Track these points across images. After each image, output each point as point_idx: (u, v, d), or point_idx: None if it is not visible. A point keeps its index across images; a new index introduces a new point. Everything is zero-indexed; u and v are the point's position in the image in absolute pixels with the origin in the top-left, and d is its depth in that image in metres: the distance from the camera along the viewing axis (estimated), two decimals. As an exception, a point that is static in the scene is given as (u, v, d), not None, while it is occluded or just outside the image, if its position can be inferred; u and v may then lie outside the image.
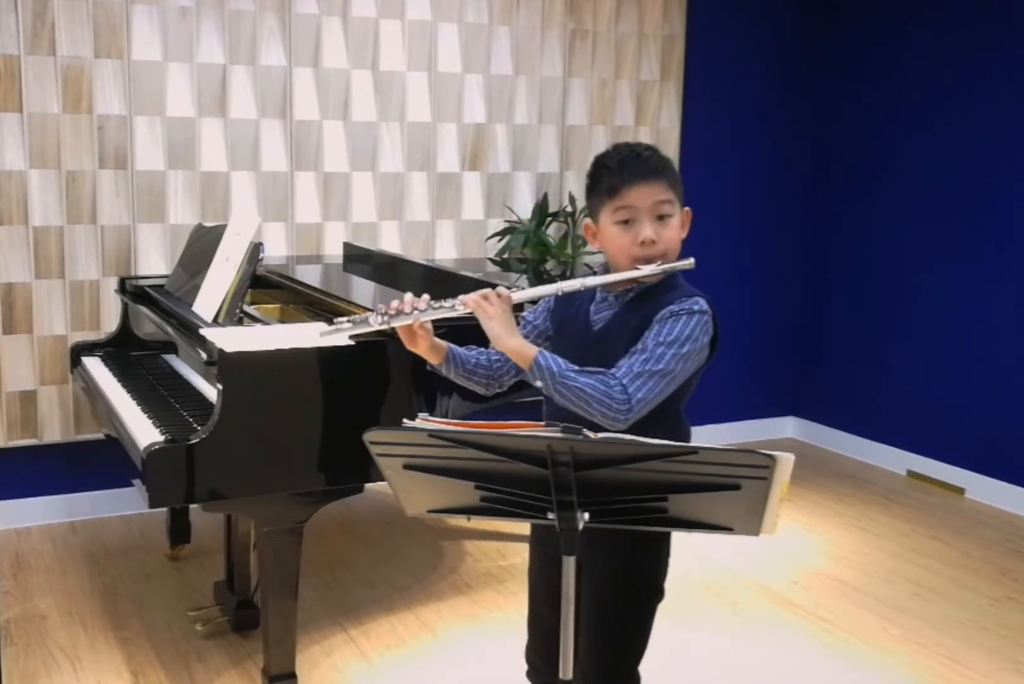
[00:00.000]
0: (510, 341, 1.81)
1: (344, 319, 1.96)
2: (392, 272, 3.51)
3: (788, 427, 5.31)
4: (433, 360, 1.98)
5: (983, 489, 4.39)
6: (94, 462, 3.88)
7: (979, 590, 3.53)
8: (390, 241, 4.25)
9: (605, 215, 1.89)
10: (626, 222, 1.86)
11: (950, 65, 4.43)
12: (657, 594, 1.99)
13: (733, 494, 1.52)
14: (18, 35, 3.58)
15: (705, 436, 4.85)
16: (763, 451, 1.46)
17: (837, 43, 4.92)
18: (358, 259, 3.78)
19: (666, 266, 1.85)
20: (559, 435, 1.54)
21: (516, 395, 2.43)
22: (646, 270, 1.84)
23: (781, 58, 4.95)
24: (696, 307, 1.83)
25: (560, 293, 1.90)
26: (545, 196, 4.37)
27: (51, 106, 3.65)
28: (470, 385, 2.04)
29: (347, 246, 3.93)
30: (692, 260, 1.89)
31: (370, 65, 4.11)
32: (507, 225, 4.36)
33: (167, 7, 3.76)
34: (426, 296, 1.90)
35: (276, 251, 4.03)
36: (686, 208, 1.93)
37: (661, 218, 1.86)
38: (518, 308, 1.92)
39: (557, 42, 4.43)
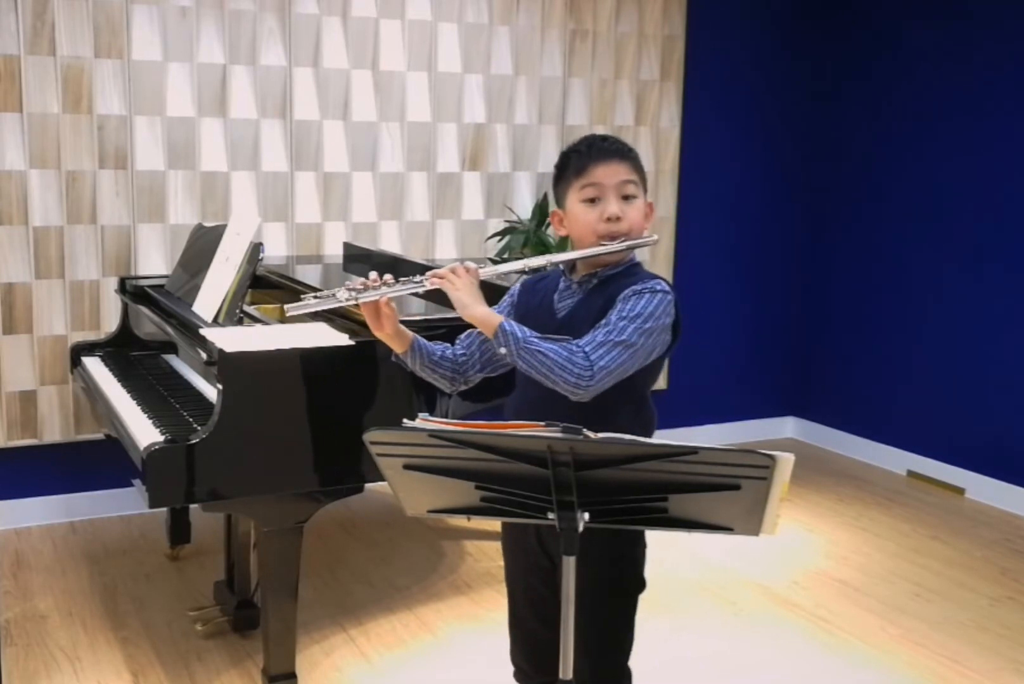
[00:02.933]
0: (476, 309, 1.86)
1: (311, 295, 1.99)
2: (392, 272, 3.49)
3: (788, 427, 5.31)
4: (397, 348, 2.01)
5: (983, 489, 4.39)
6: (94, 462, 3.88)
7: (979, 590, 3.53)
8: (390, 241, 4.25)
9: (572, 194, 1.95)
10: (592, 201, 1.92)
11: (949, 63, 4.43)
12: (640, 585, 2.03)
13: (733, 494, 1.52)
14: (18, 35, 3.58)
15: (705, 436, 4.85)
16: (763, 451, 1.46)
17: (837, 43, 4.92)
18: (358, 259, 3.78)
19: (630, 242, 1.92)
20: (559, 435, 1.54)
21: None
22: (611, 246, 1.90)
23: (781, 58, 4.95)
24: (658, 287, 1.88)
25: (526, 269, 1.97)
26: (545, 196, 4.36)
27: (51, 106, 3.66)
28: (434, 379, 2.05)
29: (347, 246, 3.93)
30: (656, 236, 2.00)
31: (370, 65, 4.11)
32: (507, 225, 4.36)
33: (167, 7, 3.76)
34: (388, 275, 1.97)
35: (276, 251, 4.03)
36: (649, 200, 1.99)
37: (626, 198, 1.93)
38: (490, 302, 1.95)
39: (557, 42, 4.43)
